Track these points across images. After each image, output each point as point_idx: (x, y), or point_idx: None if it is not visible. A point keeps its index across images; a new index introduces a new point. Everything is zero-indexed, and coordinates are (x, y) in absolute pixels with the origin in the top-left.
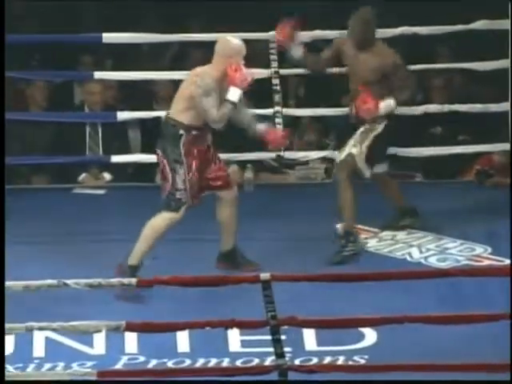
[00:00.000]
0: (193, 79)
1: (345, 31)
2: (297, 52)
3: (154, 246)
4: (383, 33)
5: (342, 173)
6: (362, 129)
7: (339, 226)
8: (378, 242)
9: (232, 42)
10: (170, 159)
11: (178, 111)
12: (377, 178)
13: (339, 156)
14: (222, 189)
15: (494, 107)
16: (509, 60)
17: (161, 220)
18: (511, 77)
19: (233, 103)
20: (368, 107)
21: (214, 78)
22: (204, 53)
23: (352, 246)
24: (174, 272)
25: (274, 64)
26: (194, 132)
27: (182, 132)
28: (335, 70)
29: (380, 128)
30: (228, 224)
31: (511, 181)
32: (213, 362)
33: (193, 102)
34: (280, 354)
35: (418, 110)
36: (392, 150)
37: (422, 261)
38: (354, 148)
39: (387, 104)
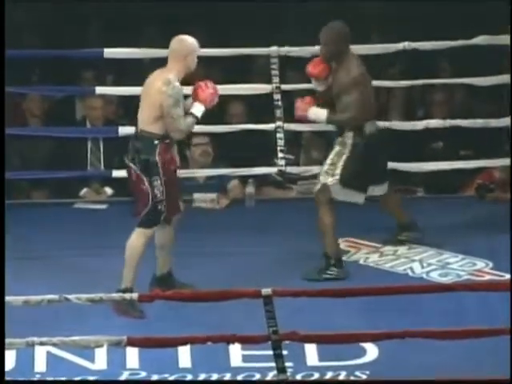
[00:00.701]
0: (160, 88)
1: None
2: (321, 87)
3: (139, 263)
4: (385, 48)
5: (320, 201)
6: (331, 155)
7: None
8: (379, 257)
9: (187, 40)
10: (147, 172)
11: (149, 121)
12: (377, 198)
13: (316, 185)
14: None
15: (494, 122)
16: (509, 75)
17: (137, 238)
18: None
19: (196, 118)
20: (299, 106)
21: (179, 84)
22: (205, 67)
23: (333, 270)
24: None
25: (276, 79)
26: (166, 141)
27: (156, 142)
28: None
29: (347, 150)
30: (170, 246)
31: (511, 196)
32: (214, 377)
33: (162, 112)
34: (281, 369)
35: (420, 124)
36: (393, 165)
37: (424, 276)
38: (326, 176)
39: (316, 112)
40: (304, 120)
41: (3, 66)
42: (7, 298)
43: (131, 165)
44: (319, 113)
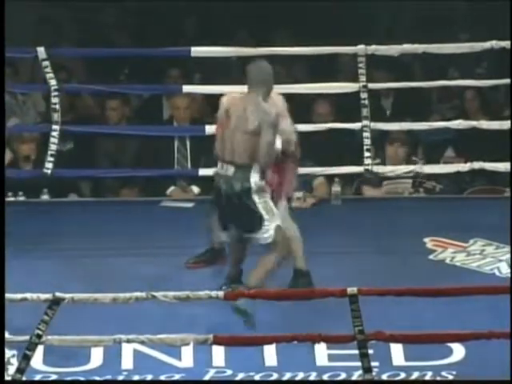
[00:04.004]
0: None
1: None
2: None
3: None
4: (472, 47)
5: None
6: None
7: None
8: (466, 256)
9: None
10: None
11: None
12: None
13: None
14: None
15: None
16: None
17: None
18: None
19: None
20: None
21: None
22: (291, 66)
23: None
24: None
25: (363, 78)
26: None
27: None
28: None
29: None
30: None
31: (511, 190)
32: (300, 375)
33: None
34: (367, 369)
35: (506, 124)
36: (480, 165)
37: None
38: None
39: None
40: None
41: (3, 65)
42: (95, 295)
43: None
44: None
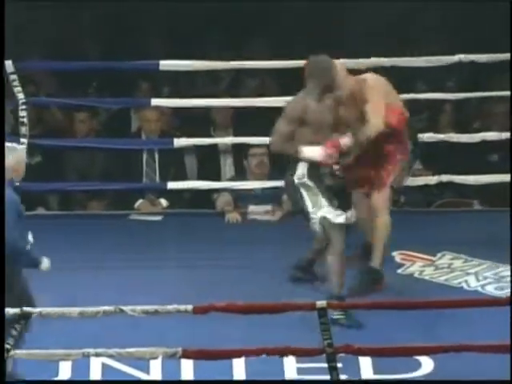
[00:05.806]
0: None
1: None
2: None
3: None
4: (440, 60)
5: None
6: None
7: None
8: (434, 270)
9: None
10: None
11: None
12: None
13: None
14: None
15: None
16: None
17: None
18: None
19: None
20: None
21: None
22: (260, 79)
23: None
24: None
25: None
26: None
27: None
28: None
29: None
30: None
31: (511, 201)
32: None
33: None
34: (336, 382)
35: (476, 137)
36: (449, 178)
37: (479, 289)
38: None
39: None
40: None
41: (3, 66)
42: (63, 309)
43: None
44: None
